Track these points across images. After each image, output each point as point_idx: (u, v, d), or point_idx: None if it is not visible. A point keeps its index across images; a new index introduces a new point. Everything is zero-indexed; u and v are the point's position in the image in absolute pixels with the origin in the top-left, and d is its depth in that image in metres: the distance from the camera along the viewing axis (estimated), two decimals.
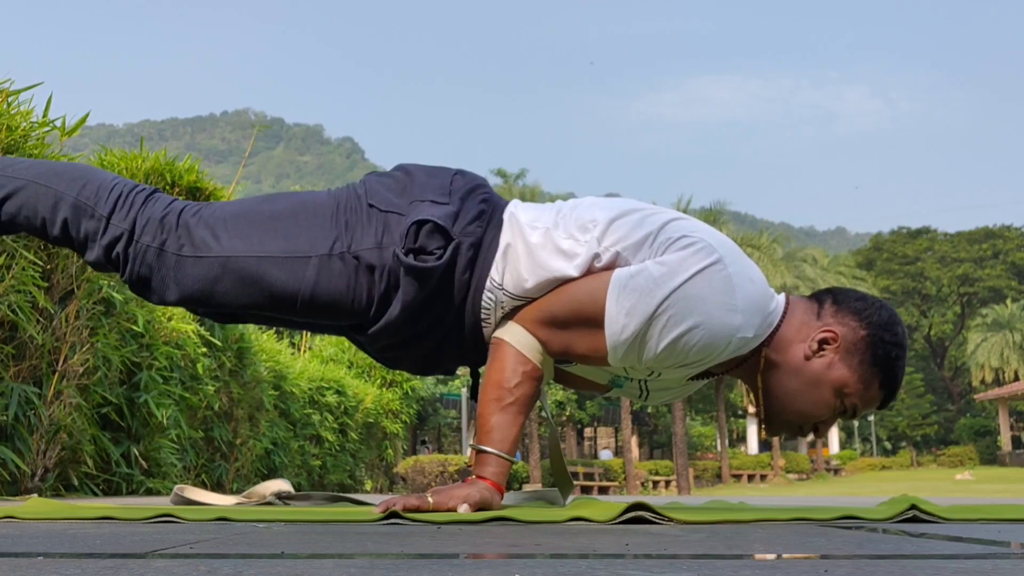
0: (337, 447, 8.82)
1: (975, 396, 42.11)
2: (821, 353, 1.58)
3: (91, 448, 3.67)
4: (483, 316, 1.64)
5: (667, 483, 27.76)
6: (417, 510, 1.40)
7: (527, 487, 19.00)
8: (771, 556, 0.82)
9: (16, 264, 3.05)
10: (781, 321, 1.59)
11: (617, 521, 1.28)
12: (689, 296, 1.48)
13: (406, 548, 0.86)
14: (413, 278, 1.57)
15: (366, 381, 11.02)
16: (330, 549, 0.86)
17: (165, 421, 4.22)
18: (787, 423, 1.65)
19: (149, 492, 4.09)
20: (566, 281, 1.58)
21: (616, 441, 33.52)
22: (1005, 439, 37.10)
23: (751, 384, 1.66)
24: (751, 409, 31.66)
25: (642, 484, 26.43)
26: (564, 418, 27.34)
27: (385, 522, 1.29)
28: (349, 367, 10.89)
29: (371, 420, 10.35)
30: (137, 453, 4.04)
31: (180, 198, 1.91)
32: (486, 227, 1.63)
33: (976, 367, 43.54)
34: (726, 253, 1.52)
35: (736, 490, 24.75)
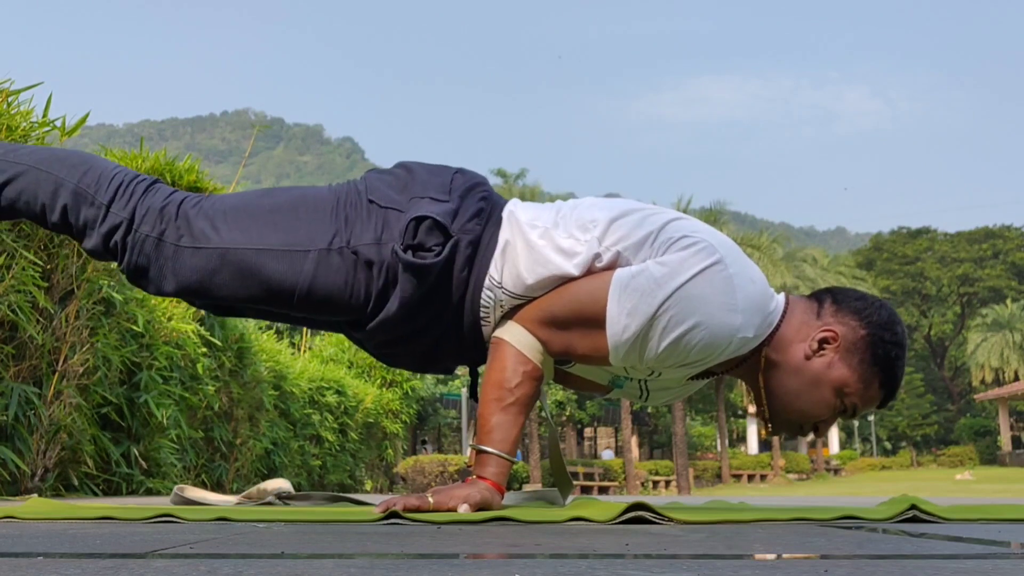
0: (337, 447, 8.83)
1: (975, 396, 42.12)
2: (821, 352, 1.58)
3: (91, 448, 3.67)
4: (482, 315, 1.64)
5: (667, 483, 27.77)
6: (417, 510, 1.40)
7: (527, 487, 19.01)
8: (771, 556, 0.82)
9: (16, 264, 3.05)
10: (781, 321, 1.59)
11: (617, 521, 1.28)
12: (690, 296, 1.48)
13: (406, 548, 0.86)
14: (411, 274, 1.57)
15: (366, 381, 11.02)
16: (330, 549, 0.86)
17: (165, 421, 4.22)
18: (788, 422, 1.65)
19: (149, 492, 4.09)
20: (566, 279, 1.58)
21: (616, 441, 33.52)
22: (1005, 439, 37.10)
23: (751, 384, 1.66)
24: (751, 409, 31.66)
25: (642, 484, 26.43)
26: (564, 418, 27.34)
27: (385, 522, 1.29)
28: (349, 367, 10.89)
29: (371, 420, 10.36)
30: (137, 453, 4.05)
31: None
32: (485, 225, 1.63)
33: (976, 367, 43.54)
34: (727, 253, 1.52)
35: (736, 490, 24.76)
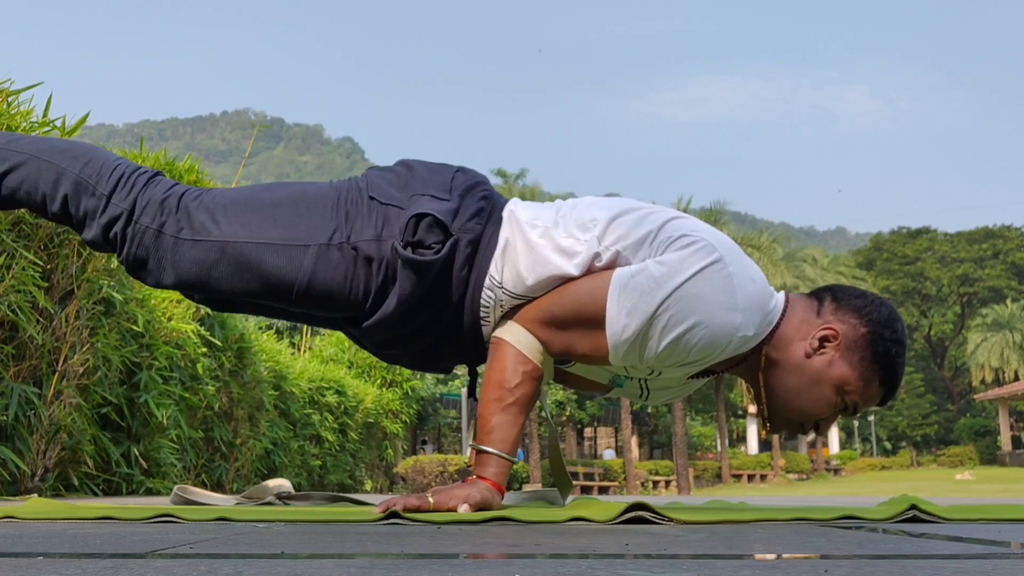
0: (337, 447, 8.83)
1: (975, 396, 42.12)
2: (822, 351, 1.58)
3: (91, 448, 3.67)
4: (482, 314, 1.64)
5: (667, 483, 27.77)
6: (417, 510, 1.40)
7: (527, 487, 19.01)
8: (771, 556, 0.82)
9: (16, 264, 3.05)
10: (781, 319, 1.59)
11: (617, 521, 1.28)
12: (690, 295, 1.48)
13: (406, 548, 0.86)
14: (410, 271, 1.57)
15: (366, 381, 11.02)
16: (330, 549, 0.86)
17: (165, 421, 4.22)
18: (788, 421, 1.65)
19: (149, 492, 4.09)
20: (565, 279, 1.58)
21: (616, 441, 33.53)
22: (1005, 439, 37.10)
23: (752, 382, 1.66)
24: (751, 409, 31.66)
25: (642, 484, 26.43)
26: (564, 418, 27.34)
27: (385, 522, 1.29)
28: (349, 367, 10.90)
29: (371, 420, 10.36)
30: (137, 453, 4.05)
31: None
32: (485, 224, 1.63)
33: (976, 367, 43.54)
34: (726, 252, 1.52)
35: (736, 490, 24.75)
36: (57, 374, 3.36)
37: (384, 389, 11.33)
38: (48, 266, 3.36)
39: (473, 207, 1.62)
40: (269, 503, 2.02)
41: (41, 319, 3.29)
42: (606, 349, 1.55)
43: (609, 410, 32.68)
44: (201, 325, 4.97)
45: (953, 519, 1.38)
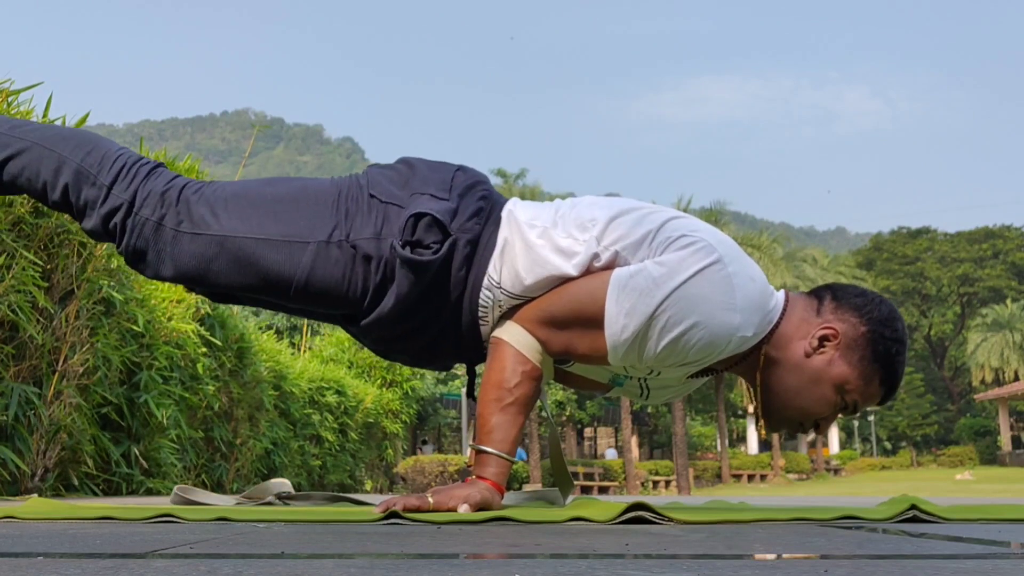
0: (337, 447, 8.83)
1: (975, 396, 42.11)
2: (821, 350, 1.58)
3: (91, 448, 3.67)
4: (481, 314, 1.64)
5: (667, 483, 27.76)
6: (417, 510, 1.40)
7: (527, 487, 19.01)
8: (771, 556, 0.82)
9: (16, 264, 3.05)
10: (781, 318, 1.59)
11: (617, 521, 1.28)
12: (689, 296, 1.48)
13: (406, 548, 0.86)
14: (408, 271, 1.57)
15: (366, 381, 11.02)
16: (330, 549, 0.86)
17: (165, 421, 4.22)
18: (788, 420, 1.65)
19: (149, 492, 4.09)
20: (564, 280, 1.57)
21: (616, 441, 33.52)
22: (1005, 439, 37.10)
23: (751, 381, 1.66)
24: (752, 409, 31.67)
25: (642, 484, 26.42)
26: (564, 418, 27.34)
27: (385, 522, 1.29)
28: (349, 367, 10.90)
29: (371, 420, 10.35)
30: (137, 453, 4.05)
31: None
32: (484, 224, 1.63)
33: (976, 367, 43.54)
34: (726, 252, 1.52)
35: (736, 490, 24.75)
36: (57, 374, 3.36)
37: (384, 389, 11.33)
38: (48, 266, 3.36)
39: (472, 207, 1.62)
40: (269, 503, 2.02)
41: (41, 319, 3.29)
42: (605, 349, 1.55)
43: (609, 410, 32.68)
44: (201, 325, 4.97)
45: (953, 519, 1.38)
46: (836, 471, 35.69)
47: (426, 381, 17.95)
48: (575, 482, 2.64)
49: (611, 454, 30.89)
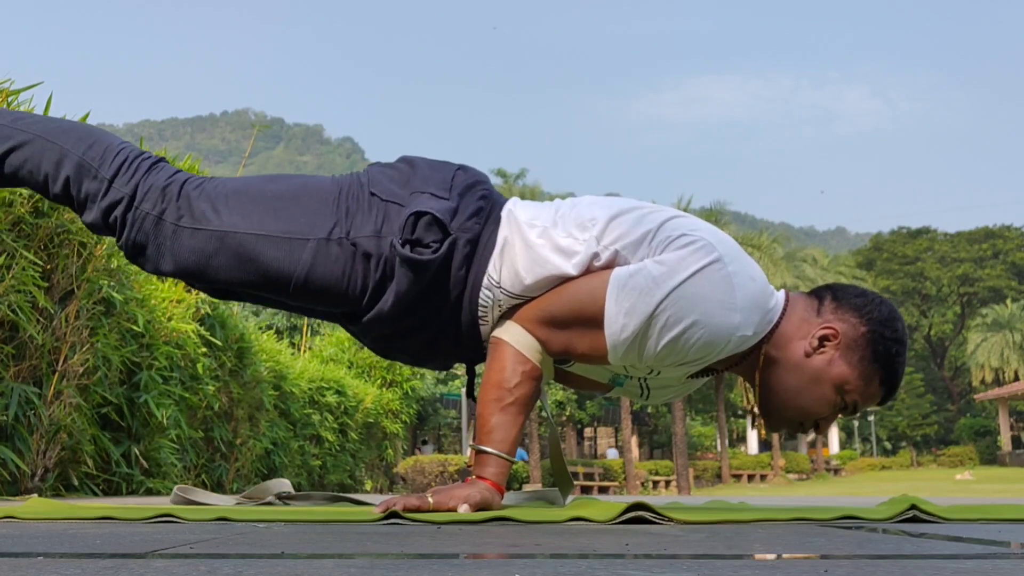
0: (337, 447, 8.82)
1: (975, 396, 42.11)
2: (822, 350, 1.58)
3: (91, 448, 3.67)
4: (480, 314, 1.63)
5: (667, 483, 27.76)
6: (417, 510, 1.40)
7: (527, 487, 19.01)
8: (771, 556, 0.82)
9: (16, 264, 3.05)
10: (781, 318, 1.59)
11: (617, 521, 1.28)
12: (688, 295, 1.48)
13: (406, 548, 0.86)
14: (408, 269, 1.57)
15: (366, 381, 11.02)
16: (330, 549, 0.86)
17: (165, 421, 4.22)
18: (788, 420, 1.65)
19: (149, 492, 4.08)
20: (564, 279, 1.57)
21: (616, 441, 33.52)
22: (1005, 439, 37.10)
23: (751, 381, 1.66)
24: (755, 409, 31.51)
25: (642, 484, 26.42)
26: (564, 418, 27.34)
27: (385, 522, 1.29)
28: (349, 367, 10.90)
29: (371, 420, 10.35)
30: (137, 453, 4.05)
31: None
32: (484, 224, 1.63)
33: (976, 367, 43.54)
34: (726, 251, 1.52)
35: (736, 490, 24.75)
36: (57, 374, 3.36)
37: (384, 389, 11.33)
38: (48, 266, 3.36)
39: (472, 206, 1.62)
40: (269, 503, 2.02)
41: (41, 319, 3.29)
42: (605, 349, 1.55)
43: (609, 410, 32.68)
44: (201, 325, 4.97)
45: (953, 519, 1.38)
46: (836, 471, 35.69)
47: (426, 381, 17.95)
48: (575, 482, 2.64)
49: (613, 454, 30.88)
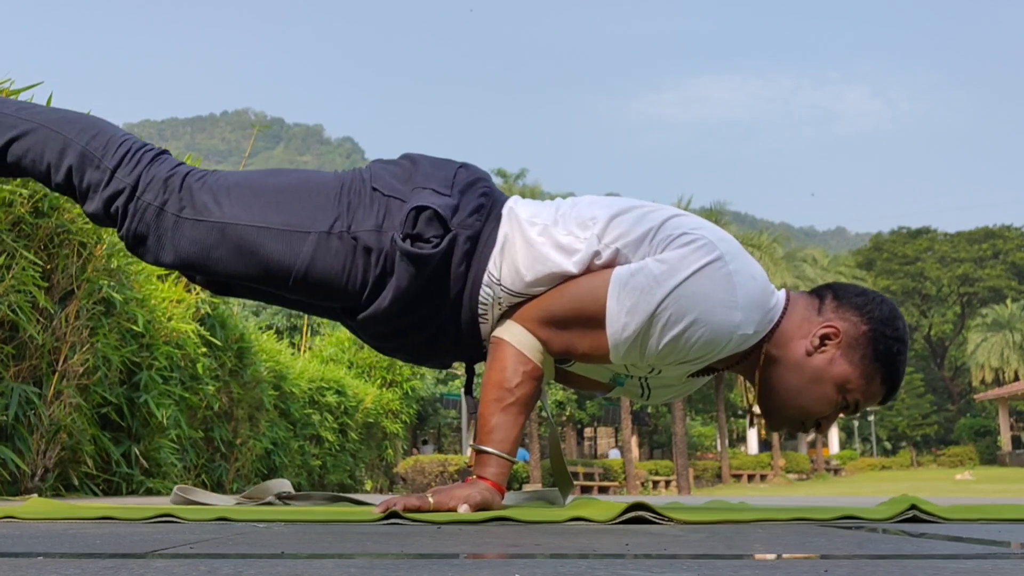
0: (337, 447, 8.82)
1: (975, 396, 42.11)
2: (823, 349, 1.58)
3: (91, 448, 3.67)
4: (480, 311, 1.63)
5: (667, 483, 27.76)
6: (417, 510, 1.40)
7: (527, 487, 19.00)
8: (771, 556, 0.82)
9: (16, 264, 3.05)
10: (782, 317, 1.58)
11: (617, 521, 1.28)
12: (689, 294, 1.48)
13: (406, 548, 0.86)
14: (408, 264, 1.56)
15: (366, 381, 11.02)
16: (330, 549, 0.86)
17: (165, 421, 4.22)
18: (789, 419, 1.65)
19: (149, 492, 4.08)
20: (564, 277, 1.57)
21: (616, 441, 33.52)
22: (1005, 439, 37.09)
23: (752, 380, 1.66)
24: (755, 408, 31.52)
25: (642, 484, 26.42)
26: (564, 418, 27.34)
27: (385, 522, 1.29)
28: (349, 367, 10.89)
29: (371, 420, 10.35)
30: (137, 453, 4.05)
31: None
32: (485, 221, 1.63)
33: (976, 367, 43.54)
34: (727, 250, 1.52)
35: (736, 490, 24.75)
36: (57, 374, 3.36)
37: (384, 389, 11.33)
38: (48, 266, 3.36)
39: (473, 203, 1.62)
40: (269, 503, 2.02)
41: (41, 319, 3.29)
42: (606, 348, 1.55)
43: (609, 410, 32.68)
44: (201, 325, 4.97)
45: (953, 519, 1.38)
46: (836, 471, 35.69)
47: (426, 381, 17.95)
48: (575, 482, 2.63)
49: (615, 455, 30.87)
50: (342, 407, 9.11)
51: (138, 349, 4.16)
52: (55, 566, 0.69)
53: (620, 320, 1.51)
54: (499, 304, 1.62)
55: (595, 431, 35.88)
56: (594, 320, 1.54)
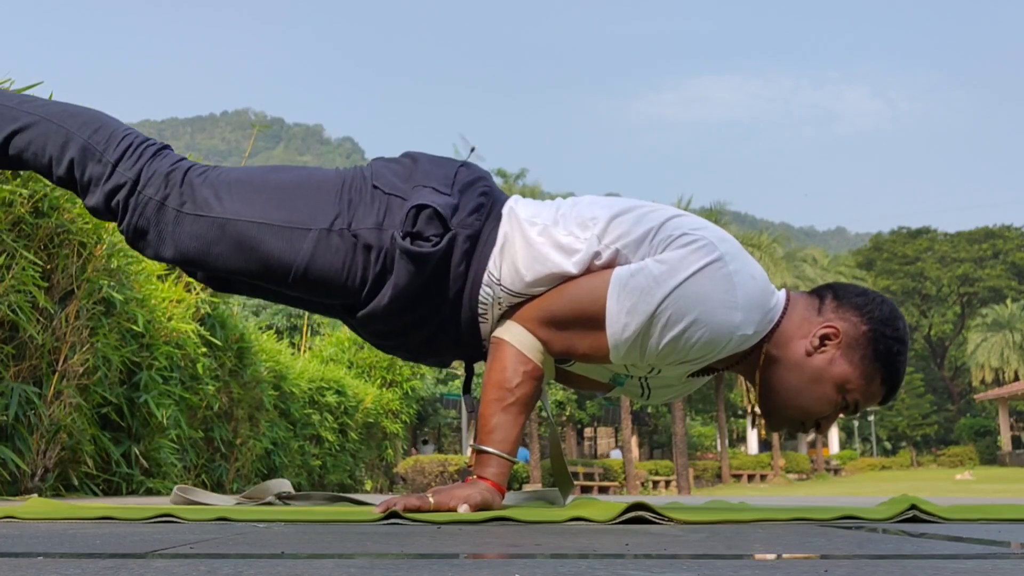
0: (337, 447, 8.82)
1: (975, 396, 42.11)
2: (823, 349, 1.58)
3: (91, 448, 3.67)
4: (480, 311, 1.63)
5: (667, 483, 27.76)
6: (417, 510, 1.40)
7: (527, 487, 19.01)
8: (771, 556, 0.82)
9: (16, 264, 3.05)
10: (782, 317, 1.59)
11: (617, 521, 1.28)
12: (689, 294, 1.48)
13: (406, 548, 0.86)
14: (407, 262, 1.57)
15: (366, 381, 11.01)
16: (330, 549, 0.86)
17: (165, 421, 4.22)
18: (789, 419, 1.65)
19: (149, 492, 4.08)
20: (564, 277, 1.57)
21: (616, 441, 33.51)
22: (1005, 439, 37.09)
23: (752, 380, 1.66)
24: (751, 408, 31.66)
25: (642, 484, 26.42)
26: (564, 418, 27.34)
27: (385, 522, 1.29)
28: (349, 367, 10.89)
29: (371, 420, 10.35)
30: (137, 453, 4.04)
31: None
32: (485, 220, 1.63)
33: (976, 367, 43.55)
34: (727, 250, 1.52)
35: (736, 490, 24.75)
36: (57, 374, 3.36)
37: (384, 389, 11.32)
38: (48, 266, 3.36)
39: (473, 203, 1.62)
40: (269, 503, 2.02)
41: (41, 319, 3.29)
42: (607, 348, 1.55)
43: (609, 410, 32.67)
44: (201, 325, 4.97)
45: (953, 519, 1.38)
46: (836, 471, 35.68)
47: (426, 381, 17.94)
48: (575, 482, 2.64)
49: (617, 455, 30.84)
50: (342, 407, 9.11)
51: (138, 349, 4.15)
52: (55, 566, 0.69)
53: (620, 320, 1.51)
54: (499, 304, 1.62)
55: (595, 431, 35.88)
56: (594, 320, 1.54)
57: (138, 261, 4.20)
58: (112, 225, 3.68)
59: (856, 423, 45.93)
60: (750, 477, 30.85)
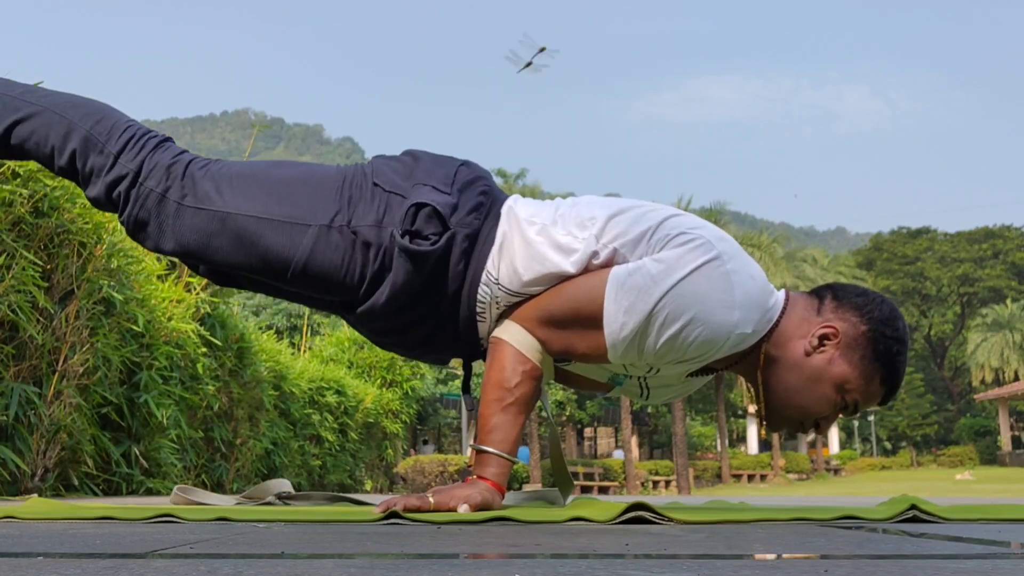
0: (337, 447, 8.82)
1: (975, 396, 42.11)
2: (822, 349, 1.58)
3: (91, 448, 3.67)
4: (478, 310, 1.63)
5: (667, 483, 27.76)
6: (417, 510, 1.40)
7: (527, 487, 19.01)
8: (771, 556, 0.82)
9: (16, 264, 3.05)
10: (781, 317, 1.58)
11: (617, 521, 1.28)
12: (687, 293, 1.48)
13: (406, 548, 0.86)
14: (406, 260, 1.57)
15: (366, 381, 11.01)
16: (330, 549, 0.86)
17: (165, 421, 4.22)
18: (788, 419, 1.65)
19: (149, 492, 4.08)
20: (562, 277, 1.57)
21: (616, 441, 33.51)
22: (1005, 439, 37.09)
23: (752, 380, 1.66)
24: (752, 409, 31.65)
25: (642, 484, 26.42)
26: (564, 418, 27.34)
27: (385, 522, 1.29)
28: (349, 367, 10.89)
29: (371, 420, 10.35)
30: (137, 453, 4.05)
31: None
32: (484, 219, 1.63)
33: (976, 367, 43.54)
34: (725, 249, 1.52)
35: (736, 490, 24.75)
36: (57, 374, 3.36)
37: (384, 389, 11.32)
38: (48, 266, 3.36)
39: (472, 202, 1.62)
40: (269, 503, 2.02)
41: (41, 319, 3.29)
42: (605, 348, 1.55)
43: (609, 410, 32.67)
44: (201, 325, 4.97)
45: (953, 519, 1.38)
46: (836, 471, 35.68)
47: (426, 381, 17.93)
48: (575, 482, 2.64)
49: (618, 455, 30.81)
50: (342, 407, 9.11)
51: (138, 349, 4.16)
52: (55, 566, 0.69)
53: (618, 320, 1.52)
54: (497, 303, 1.62)
55: (595, 431, 35.87)
56: (592, 320, 1.54)
57: (138, 261, 4.20)
58: (112, 225, 3.68)
59: (856, 423, 45.94)
60: (750, 477, 30.84)
